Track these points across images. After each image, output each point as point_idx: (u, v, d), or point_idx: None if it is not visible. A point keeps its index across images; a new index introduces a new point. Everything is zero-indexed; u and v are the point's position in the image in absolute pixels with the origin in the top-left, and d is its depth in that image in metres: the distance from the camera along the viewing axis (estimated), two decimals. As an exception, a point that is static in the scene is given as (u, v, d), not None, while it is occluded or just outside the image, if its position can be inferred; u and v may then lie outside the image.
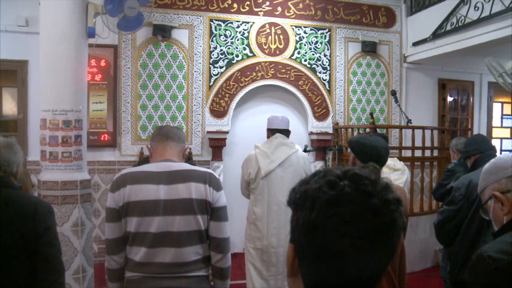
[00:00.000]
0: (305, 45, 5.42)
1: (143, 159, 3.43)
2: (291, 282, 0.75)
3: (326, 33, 5.52)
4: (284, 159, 3.09)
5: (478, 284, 1.12)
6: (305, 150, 3.31)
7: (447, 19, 4.93)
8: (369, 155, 1.99)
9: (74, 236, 3.06)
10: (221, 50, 5.17)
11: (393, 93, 5.07)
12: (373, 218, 0.66)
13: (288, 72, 5.34)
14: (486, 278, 1.08)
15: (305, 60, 5.42)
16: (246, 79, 5.20)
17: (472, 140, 2.92)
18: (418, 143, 4.82)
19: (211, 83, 5.14)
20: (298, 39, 5.40)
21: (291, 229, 0.74)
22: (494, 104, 6.60)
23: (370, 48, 5.59)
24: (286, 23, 5.36)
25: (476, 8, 4.50)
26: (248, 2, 5.24)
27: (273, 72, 5.29)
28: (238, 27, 5.21)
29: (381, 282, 0.72)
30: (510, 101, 6.71)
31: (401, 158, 4.14)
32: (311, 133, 5.46)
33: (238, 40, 5.21)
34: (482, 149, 2.71)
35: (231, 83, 5.17)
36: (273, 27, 5.31)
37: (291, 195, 0.75)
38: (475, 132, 6.17)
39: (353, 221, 0.66)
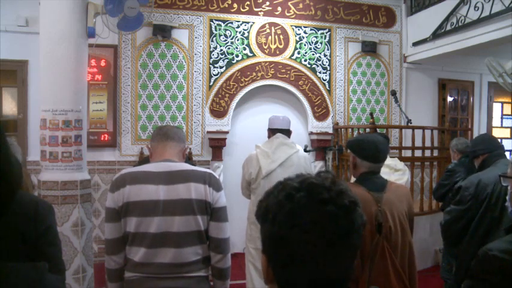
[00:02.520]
0: (305, 45, 5.42)
1: (143, 159, 3.43)
2: None
3: (326, 33, 5.52)
4: (285, 159, 3.09)
5: (481, 281, 1.12)
6: (305, 150, 3.31)
7: (447, 19, 4.93)
8: (368, 151, 1.99)
9: (74, 236, 3.06)
10: (221, 50, 5.17)
11: (393, 93, 5.07)
12: (331, 224, 0.72)
13: (288, 72, 5.34)
14: (489, 276, 1.08)
15: (305, 60, 5.42)
16: (246, 79, 5.20)
17: (480, 139, 2.87)
18: (418, 143, 4.82)
19: (211, 83, 5.14)
20: (298, 39, 5.39)
21: (261, 241, 0.81)
22: (494, 104, 6.60)
23: (370, 48, 5.59)
24: (286, 23, 5.36)
25: (476, 8, 4.50)
26: (248, 2, 5.24)
27: (273, 72, 5.28)
28: (238, 27, 5.21)
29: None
30: (510, 101, 6.71)
31: (401, 158, 4.13)
32: (311, 133, 5.46)
33: (238, 40, 5.21)
34: (490, 148, 2.67)
35: (231, 83, 5.17)
36: (273, 27, 5.31)
37: (256, 209, 0.83)
38: (475, 132, 6.17)
39: (313, 230, 0.72)
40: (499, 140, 6.47)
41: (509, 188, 1.39)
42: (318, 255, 0.72)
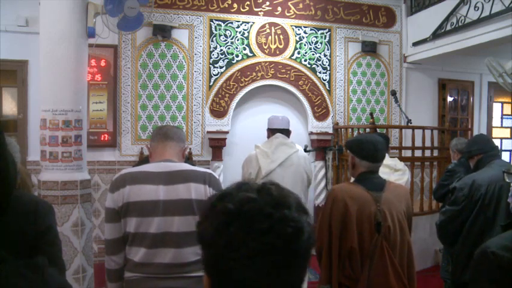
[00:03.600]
0: (305, 45, 5.42)
1: (143, 159, 3.43)
2: None
3: (326, 33, 5.52)
4: (285, 159, 3.09)
5: (481, 281, 1.12)
6: (305, 150, 3.31)
7: (447, 19, 4.93)
8: (366, 151, 2.00)
9: (74, 236, 3.06)
10: (221, 50, 5.17)
11: (393, 93, 5.07)
12: (272, 256, 0.67)
13: (288, 72, 5.34)
14: (489, 274, 1.08)
15: (305, 60, 5.42)
16: (246, 79, 5.20)
17: (475, 140, 2.90)
18: (418, 143, 4.82)
19: (211, 83, 5.14)
20: (298, 39, 5.39)
21: (202, 261, 0.75)
22: (494, 104, 6.60)
23: (370, 48, 5.59)
24: (286, 23, 5.36)
25: (476, 8, 4.50)
26: (248, 2, 5.24)
27: (273, 72, 5.28)
28: (238, 27, 5.21)
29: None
30: (510, 101, 6.71)
31: (401, 158, 4.13)
32: (311, 133, 5.46)
33: (238, 40, 5.21)
34: (485, 149, 2.69)
35: (231, 83, 5.17)
36: (273, 27, 5.31)
37: (196, 227, 0.76)
38: (475, 132, 6.16)
39: (252, 263, 0.66)
40: (499, 140, 6.56)
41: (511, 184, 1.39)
42: (261, 283, 0.68)
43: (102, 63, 4.85)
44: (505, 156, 6.43)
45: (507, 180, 1.43)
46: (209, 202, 0.75)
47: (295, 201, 0.73)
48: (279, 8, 5.33)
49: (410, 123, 4.87)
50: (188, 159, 4.61)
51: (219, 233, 0.69)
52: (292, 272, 0.70)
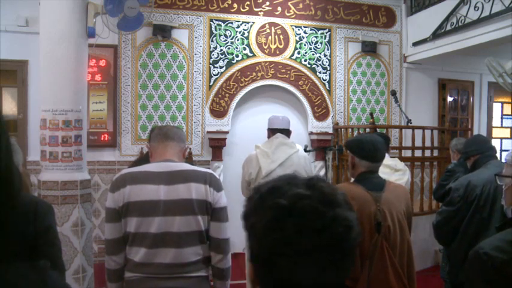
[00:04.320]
0: (305, 45, 5.42)
1: (143, 156, 3.42)
2: None
3: (326, 33, 5.52)
4: (285, 159, 3.09)
5: (475, 281, 1.12)
6: (305, 150, 3.31)
7: (447, 19, 4.93)
8: (366, 150, 2.01)
9: (74, 236, 3.06)
10: (221, 50, 5.17)
11: (393, 93, 5.07)
12: (324, 254, 0.68)
13: (288, 72, 5.34)
14: (482, 275, 1.08)
15: (305, 60, 5.42)
16: (246, 79, 5.20)
17: (472, 140, 2.92)
18: (418, 143, 4.82)
19: (211, 83, 5.14)
20: (298, 39, 5.39)
21: (249, 250, 0.76)
22: (494, 104, 6.60)
23: (370, 48, 5.59)
24: (286, 23, 5.36)
25: (476, 8, 4.50)
26: (248, 2, 5.24)
27: (273, 72, 5.28)
28: (238, 27, 5.21)
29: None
30: (510, 101, 6.71)
31: (401, 158, 4.13)
32: (311, 133, 5.46)
33: (238, 40, 5.21)
34: (481, 149, 2.71)
35: (231, 83, 5.17)
36: (273, 27, 5.31)
37: (242, 218, 0.77)
38: (475, 132, 6.17)
39: (304, 260, 0.67)
40: (499, 140, 6.56)
41: (503, 187, 1.40)
42: (308, 280, 0.69)
43: (102, 63, 4.85)
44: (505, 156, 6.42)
45: (499, 183, 1.44)
46: (258, 195, 0.75)
47: (343, 198, 0.73)
48: (279, 8, 5.33)
49: (410, 123, 4.87)
50: (188, 159, 4.61)
51: (271, 228, 0.69)
52: (339, 269, 0.71)
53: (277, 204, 0.70)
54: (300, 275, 0.68)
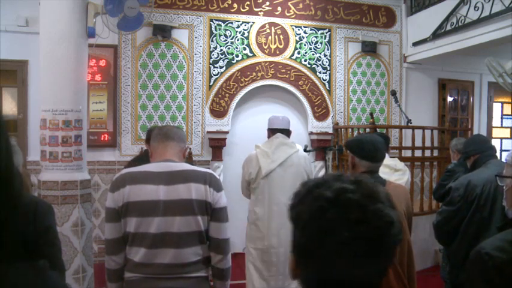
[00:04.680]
0: (305, 45, 5.42)
1: (143, 153, 3.41)
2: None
3: (326, 33, 5.52)
4: (285, 159, 3.09)
5: (476, 282, 1.12)
6: (305, 150, 3.31)
7: (447, 19, 4.93)
8: (366, 150, 2.00)
9: (74, 236, 3.06)
10: (221, 50, 5.17)
11: (393, 93, 5.07)
12: (363, 246, 0.70)
13: (288, 72, 5.34)
14: (484, 275, 1.08)
15: (305, 60, 5.42)
16: (246, 79, 5.20)
17: (471, 140, 2.93)
18: (418, 143, 4.82)
19: (211, 83, 5.14)
20: (298, 39, 5.39)
21: (291, 242, 0.79)
22: (494, 104, 6.60)
23: (370, 48, 5.59)
24: (286, 23, 5.36)
25: (476, 8, 4.50)
26: (248, 2, 5.24)
27: (273, 72, 5.28)
28: (238, 27, 5.21)
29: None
30: (510, 101, 6.71)
31: (401, 158, 4.13)
32: (311, 133, 5.46)
33: (238, 40, 5.21)
34: (481, 149, 2.71)
35: (231, 83, 5.17)
36: (273, 27, 5.31)
37: (289, 212, 0.80)
38: (475, 132, 6.17)
39: (343, 250, 0.70)
40: (499, 140, 6.56)
41: (504, 187, 1.39)
42: (345, 271, 0.71)
43: (102, 63, 4.85)
44: (504, 157, 6.42)
45: (500, 183, 1.44)
46: (305, 188, 0.78)
47: (386, 197, 0.76)
48: (279, 8, 5.33)
49: (410, 123, 4.87)
50: (188, 159, 4.61)
51: (315, 218, 0.72)
52: (378, 263, 0.73)
53: (322, 195, 0.73)
54: (339, 265, 0.71)
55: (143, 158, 2.93)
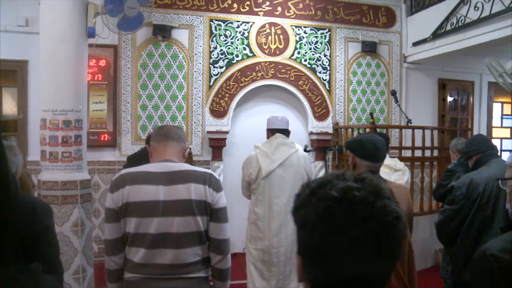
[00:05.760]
0: (305, 45, 5.42)
1: (141, 151, 3.41)
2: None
3: (326, 33, 5.51)
4: (285, 159, 3.09)
5: (481, 283, 1.11)
6: (305, 150, 3.31)
7: (447, 19, 4.92)
8: (367, 150, 2.00)
9: (74, 236, 3.06)
10: (221, 50, 5.17)
11: (393, 93, 5.06)
12: (372, 243, 0.70)
13: (288, 72, 5.34)
14: (488, 276, 1.07)
15: (305, 60, 5.42)
16: (246, 79, 5.20)
17: (473, 140, 2.93)
18: (418, 143, 4.82)
19: (211, 83, 5.14)
20: (298, 39, 5.39)
21: (297, 243, 0.78)
22: (494, 104, 6.59)
23: (370, 48, 5.59)
24: (286, 23, 5.36)
25: (476, 8, 4.50)
26: (248, 2, 5.23)
27: (273, 72, 5.28)
28: (238, 27, 5.21)
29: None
30: (510, 101, 6.71)
31: (401, 158, 4.13)
32: (311, 133, 5.46)
33: (238, 40, 5.21)
34: (483, 148, 2.71)
35: (231, 83, 5.17)
36: (273, 27, 5.31)
37: (293, 214, 0.79)
38: (475, 132, 6.16)
39: (353, 248, 0.70)
40: (499, 140, 6.55)
41: (507, 189, 1.39)
42: (356, 269, 0.71)
43: (102, 63, 4.84)
44: (505, 157, 6.42)
45: (502, 187, 1.43)
46: (308, 189, 0.78)
47: (389, 193, 0.76)
48: (279, 8, 5.33)
49: (410, 123, 4.87)
50: (188, 159, 4.60)
51: (323, 218, 0.72)
52: (387, 259, 0.73)
53: (328, 196, 0.73)
54: (349, 263, 0.70)
55: (142, 156, 2.92)
